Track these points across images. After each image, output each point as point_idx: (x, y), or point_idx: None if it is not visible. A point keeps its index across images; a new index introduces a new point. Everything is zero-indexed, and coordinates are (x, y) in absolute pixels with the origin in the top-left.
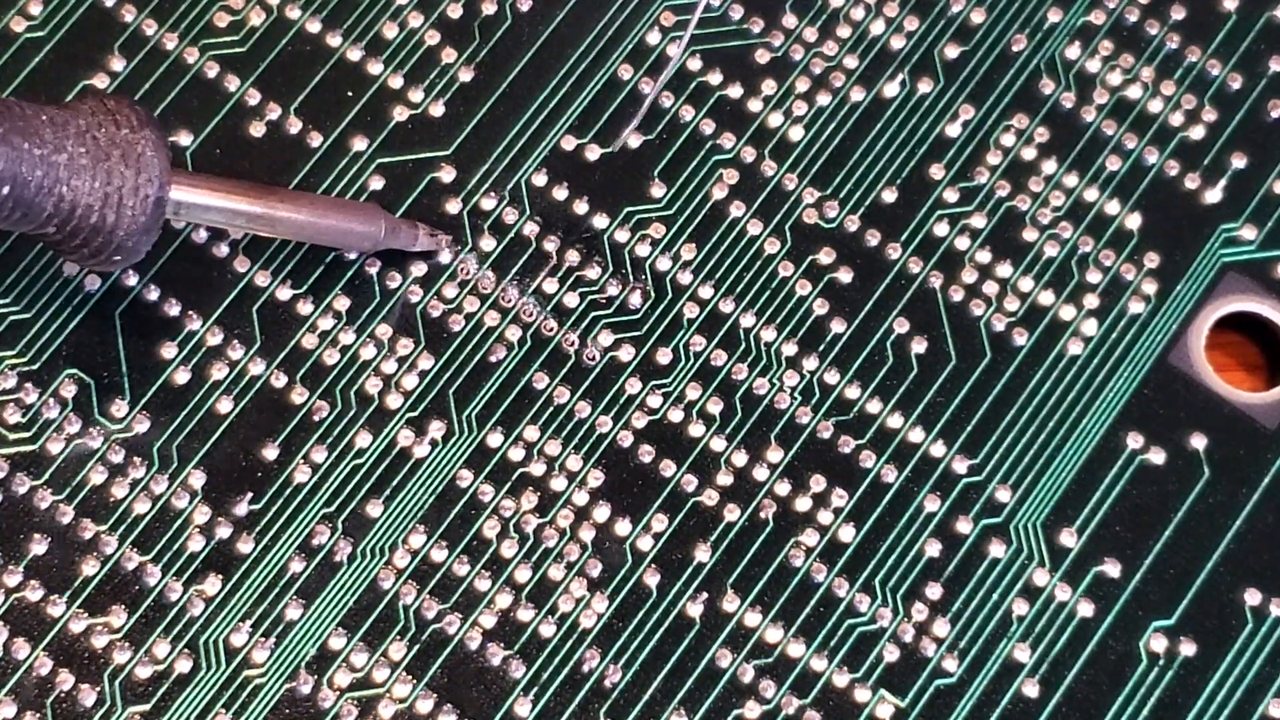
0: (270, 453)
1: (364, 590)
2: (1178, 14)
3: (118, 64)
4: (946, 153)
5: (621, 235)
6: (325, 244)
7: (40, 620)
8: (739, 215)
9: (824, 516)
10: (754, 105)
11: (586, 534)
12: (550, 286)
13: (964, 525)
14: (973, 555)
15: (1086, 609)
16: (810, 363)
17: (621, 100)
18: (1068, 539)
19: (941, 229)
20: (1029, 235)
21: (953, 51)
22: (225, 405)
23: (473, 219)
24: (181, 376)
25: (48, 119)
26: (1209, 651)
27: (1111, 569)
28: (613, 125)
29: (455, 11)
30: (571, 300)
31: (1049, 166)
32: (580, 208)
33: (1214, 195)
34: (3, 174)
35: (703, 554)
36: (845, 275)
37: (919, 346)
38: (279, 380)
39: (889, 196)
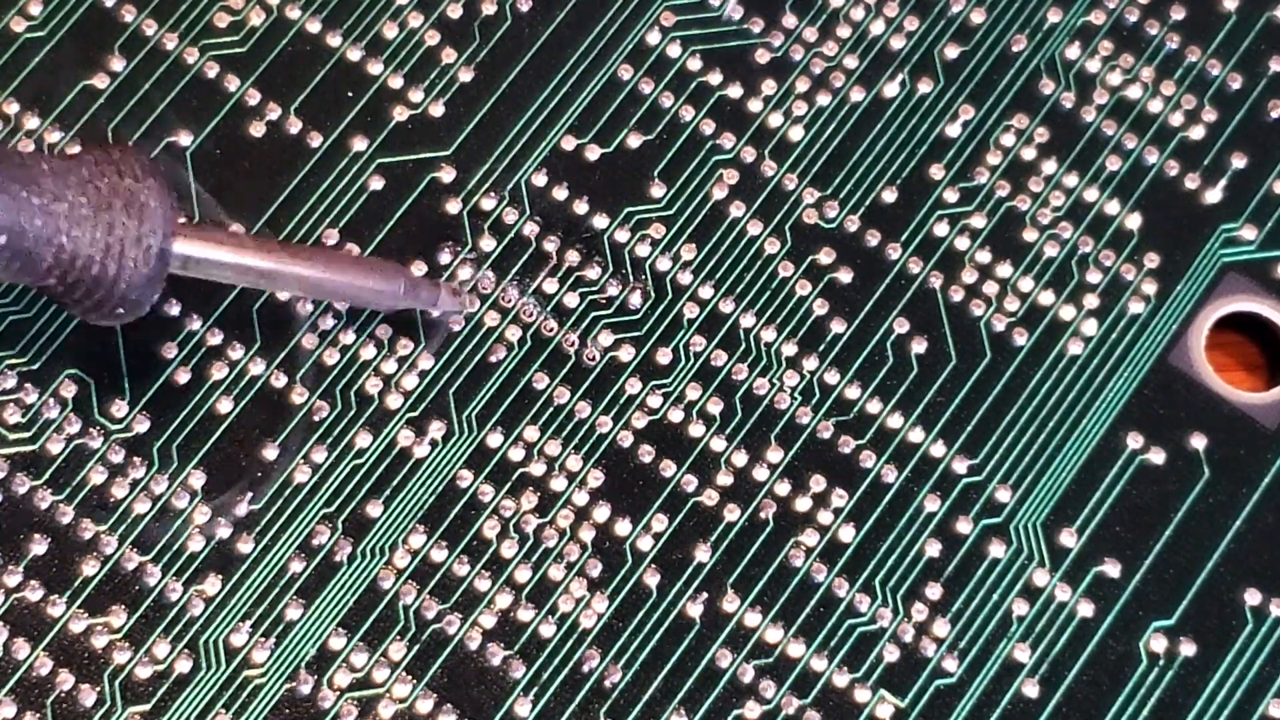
0: (270, 453)
1: (364, 590)
2: (1178, 14)
3: (118, 64)
4: (946, 153)
5: (621, 235)
6: (340, 301)
7: (40, 620)
8: (739, 215)
9: (824, 516)
10: (754, 105)
11: (586, 534)
12: (550, 287)
13: (964, 525)
14: (973, 555)
15: (1086, 609)
16: (810, 363)
17: (621, 100)
18: (1068, 539)
19: (941, 229)
20: (1029, 235)
21: (953, 51)
22: (225, 405)
23: (473, 219)
24: (182, 376)
25: (48, 167)
26: (1209, 651)
27: (1111, 569)
28: (613, 126)
29: (455, 12)
30: (571, 300)
31: (1049, 166)
32: (580, 208)
33: (1214, 195)
34: (1, 223)
35: (703, 554)
36: (845, 275)
37: (919, 346)
38: (279, 380)
39: (889, 196)
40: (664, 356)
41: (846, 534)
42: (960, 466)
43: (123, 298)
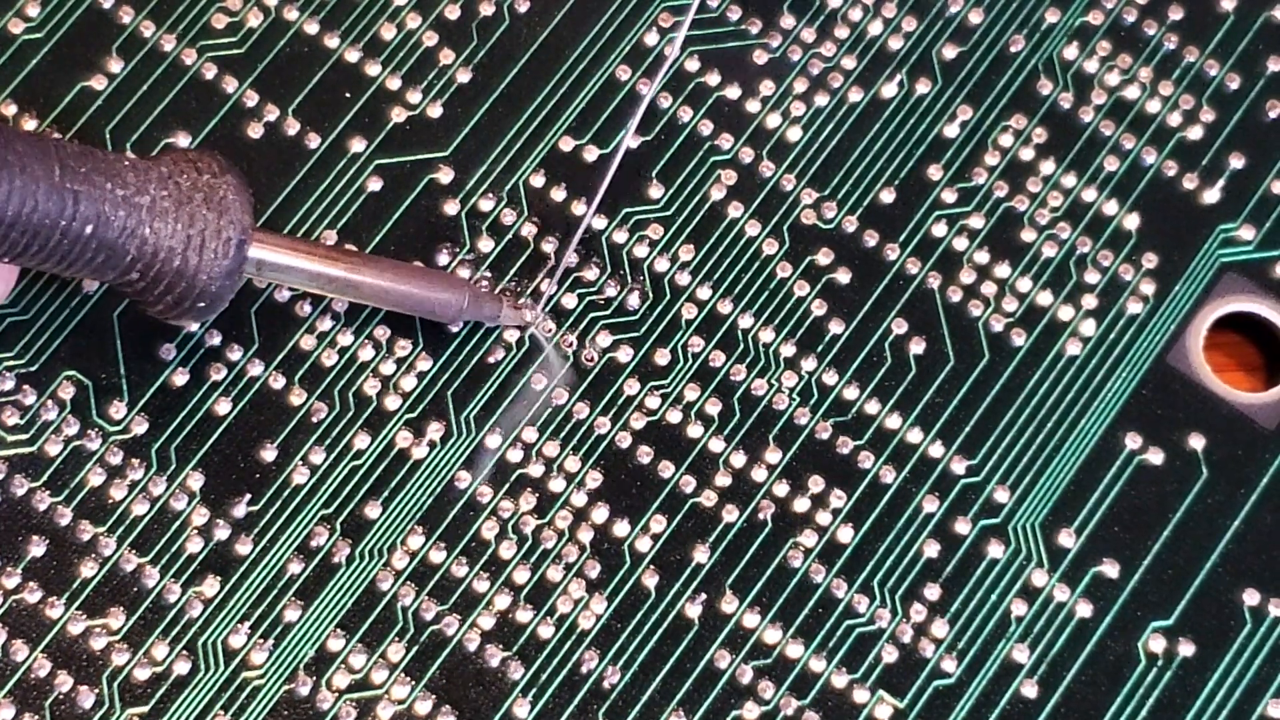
0: (268, 454)
1: (362, 591)
2: (1175, 14)
3: (115, 65)
4: (944, 153)
5: (620, 236)
6: (405, 311)
7: (39, 622)
8: (737, 216)
9: (822, 517)
10: (752, 106)
11: (585, 535)
12: (549, 287)
13: (962, 526)
14: (971, 556)
15: (1085, 609)
16: (808, 363)
17: (619, 101)
18: (1066, 539)
19: (940, 229)
20: (1027, 235)
21: (950, 52)
22: (224, 407)
23: (471, 220)
24: (180, 378)
25: (130, 164)
26: (1207, 652)
27: (1110, 569)
28: (611, 126)
29: (453, 13)
30: (569, 301)
31: (1047, 167)
32: (578, 209)
33: (1212, 195)
34: (86, 214)
35: (701, 555)
36: (843, 276)
37: (917, 347)
38: (277, 382)
39: (887, 197)
40: (662, 357)
41: (845, 534)
42: (959, 467)
43: (203, 290)
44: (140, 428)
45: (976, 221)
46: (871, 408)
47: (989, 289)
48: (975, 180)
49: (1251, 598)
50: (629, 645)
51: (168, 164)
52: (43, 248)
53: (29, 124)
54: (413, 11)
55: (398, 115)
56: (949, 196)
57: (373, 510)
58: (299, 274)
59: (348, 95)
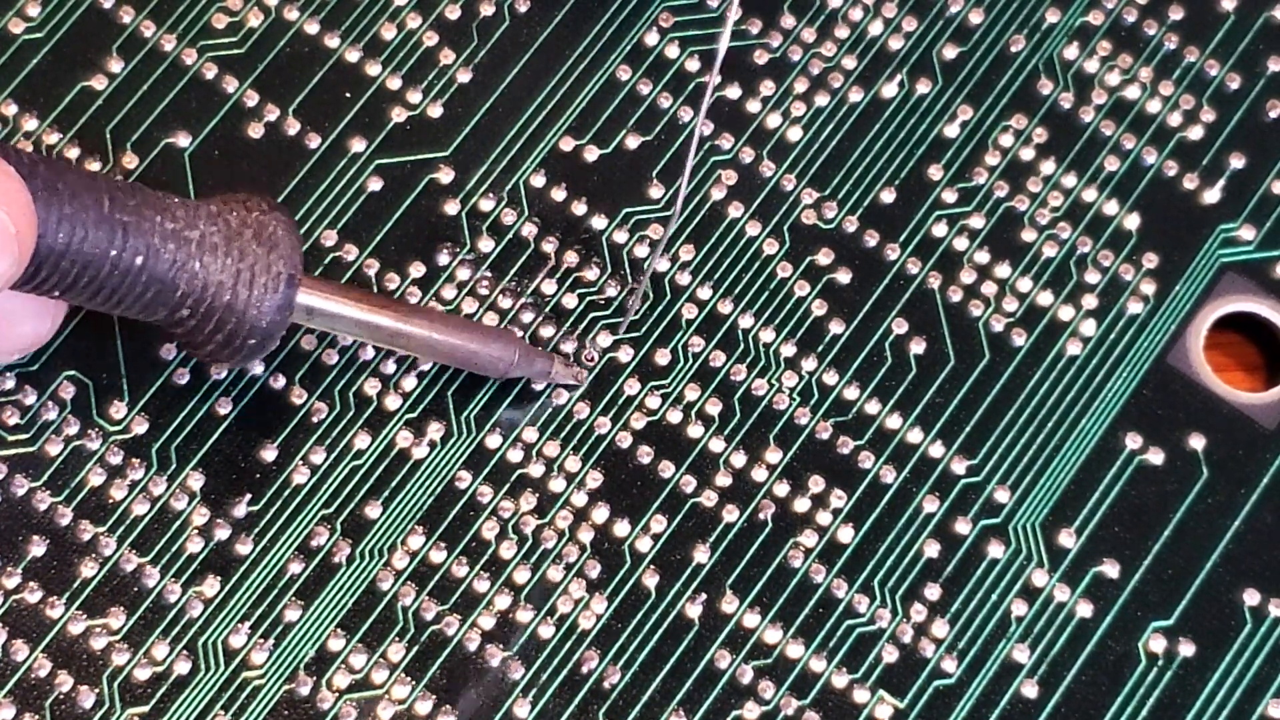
0: (269, 454)
1: (363, 591)
2: (1176, 14)
3: (116, 65)
4: (945, 153)
5: (620, 236)
6: (454, 365)
7: (39, 622)
8: (737, 216)
9: (823, 517)
10: (752, 106)
11: (585, 535)
12: (549, 287)
13: (963, 526)
14: (972, 556)
15: (1085, 609)
16: (809, 363)
17: (620, 101)
18: (1066, 539)
19: (940, 229)
20: (1027, 235)
21: (951, 52)
22: (224, 407)
23: (471, 220)
24: (180, 378)
25: (179, 201)
26: (1208, 652)
27: (1110, 569)
28: (611, 126)
29: (453, 13)
30: (570, 301)
31: (1047, 167)
32: (579, 209)
33: (1212, 195)
34: (136, 246)
35: (701, 555)
36: (844, 276)
37: (917, 347)
38: (278, 381)
39: (887, 197)
40: (662, 357)
41: (845, 535)
42: (959, 467)
43: (253, 327)
44: (140, 428)
45: (977, 221)
46: (872, 408)
47: (989, 289)
48: (975, 180)
49: (1251, 598)
50: (629, 645)
51: (217, 203)
52: (93, 279)
53: (29, 124)
54: (413, 11)
55: (398, 115)
56: (949, 196)
57: (373, 510)
58: (348, 322)
59: (348, 95)
